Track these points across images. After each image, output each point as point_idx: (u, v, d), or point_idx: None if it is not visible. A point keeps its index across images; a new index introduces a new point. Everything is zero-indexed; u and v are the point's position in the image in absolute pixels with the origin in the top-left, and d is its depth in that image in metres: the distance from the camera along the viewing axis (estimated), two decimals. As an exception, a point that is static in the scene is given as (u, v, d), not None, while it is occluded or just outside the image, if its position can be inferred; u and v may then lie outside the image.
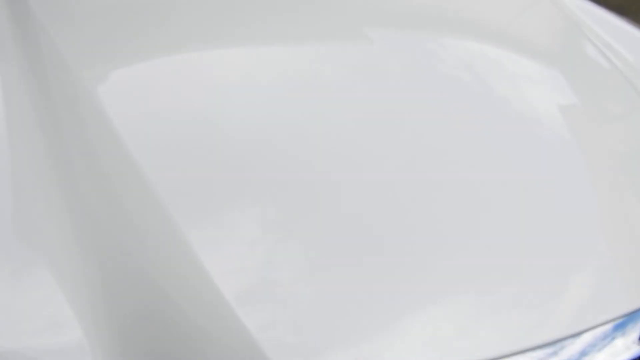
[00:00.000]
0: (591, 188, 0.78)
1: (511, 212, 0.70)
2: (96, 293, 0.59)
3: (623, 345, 0.62)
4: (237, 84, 0.81)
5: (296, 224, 0.64)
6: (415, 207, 0.68)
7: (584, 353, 0.61)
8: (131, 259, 0.60)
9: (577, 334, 0.61)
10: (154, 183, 0.64)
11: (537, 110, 0.87)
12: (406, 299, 0.60)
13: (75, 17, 0.94)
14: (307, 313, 0.56)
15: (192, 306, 0.58)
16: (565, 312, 0.64)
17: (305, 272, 0.60)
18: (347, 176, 0.70)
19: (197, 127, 0.74)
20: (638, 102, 0.91)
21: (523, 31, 1.14)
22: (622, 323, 0.63)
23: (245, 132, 0.74)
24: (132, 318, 0.57)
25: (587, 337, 0.61)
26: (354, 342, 0.57)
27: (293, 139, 0.74)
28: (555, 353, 0.60)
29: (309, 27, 0.99)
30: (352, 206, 0.66)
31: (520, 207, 0.70)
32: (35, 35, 0.87)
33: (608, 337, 0.62)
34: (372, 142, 0.75)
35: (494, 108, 0.85)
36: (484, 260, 0.65)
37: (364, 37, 0.97)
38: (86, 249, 0.61)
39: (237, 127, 0.75)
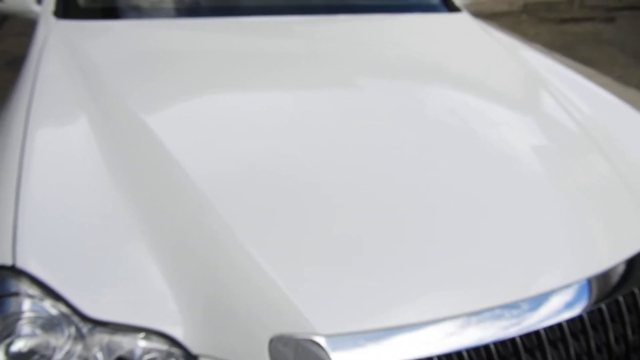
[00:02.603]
0: (548, 195, 0.98)
1: (491, 210, 0.90)
2: (176, 266, 0.78)
3: (568, 307, 0.78)
4: (260, 123, 1.06)
5: (328, 223, 0.84)
6: (415, 210, 0.89)
7: (538, 312, 0.77)
8: (198, 249, 0.80)
9: (533, 296, 0.77)
10: (205, 191, 0.87)
11: (505, 144, 1.10)
12: (404, 273, 0.78)
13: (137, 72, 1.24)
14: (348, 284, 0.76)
15: (242, 274, 0.76)
16: (525, 278, 0.80)
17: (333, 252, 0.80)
18: (355, 192, 0.90)
19: (238, 153, 0.98)
20: (586, 144, 1.13)
21: (495, 85, 1.42)
22: (568, 289, 0.80)
23: (269, 158, 0.97)
24: (201, 283, 0.76)
25: (541, 299, 0.78)
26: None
27: (314, 164, 0.96)
28: (515, 311, 0.76)
29: (314, 79, 1.28)
30: (364, 219, 0.85)
31: (497, 207, 0.91)
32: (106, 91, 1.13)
33: (556, 300, 0.79)
34: (370, 162, 0.97)
35: (469, 140, 1.07)
36: (474, 245, 0.84)
37: (359, 87, 1.25)
38: (170, 243, 0.81)
39: (260, 151, 0.98)
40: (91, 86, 1.11)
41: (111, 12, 1.57)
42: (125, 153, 0.93)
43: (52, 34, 1.36)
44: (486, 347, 0.73)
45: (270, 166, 0.92)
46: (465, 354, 0.72)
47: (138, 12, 1.58)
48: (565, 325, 0.77)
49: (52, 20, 1.45)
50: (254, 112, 1.08)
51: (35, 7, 1.60)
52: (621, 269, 0.86)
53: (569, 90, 1.45)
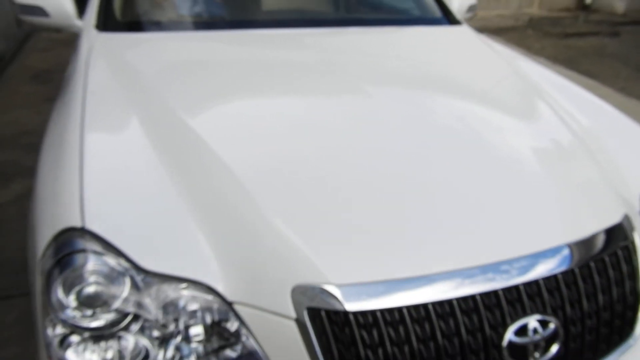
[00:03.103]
0: (540, 182, 1.13)
1: (488, 185, 1.07)
2: (215, 231, 0.94)
3: (547, 269, 0.92)
4: (282, 118, 1.26)
5: (349, 192, 1.01)
6: (418, 187, 1.04)
7: (519, 270, 0.90)
8: (234, 217, 0.96)
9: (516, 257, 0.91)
10: (239, 172, 1.03)
11: (499, 141, 1.26)
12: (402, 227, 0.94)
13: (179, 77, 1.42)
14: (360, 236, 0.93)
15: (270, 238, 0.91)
16: (509, 240, 0.94)
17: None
18: (367, 174, 1.06)
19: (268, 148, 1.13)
20: (574, 143, 1.29)
21: (491, 91, 1.58)
22: (547, 253, 0.94)
23: (294, 149, 1.14)
24: (236, 247, 0.91)
25: (523, 260, 0.91)
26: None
27: (331, 157, 1.12)
28: (500, 270, 0.90)
29: (330, 85, 1.44)
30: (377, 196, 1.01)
31: (495, 188, 1.07)
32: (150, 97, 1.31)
33: (536, 262, 0.92)
34: (379, 150, 1.13)
35: (465, 137, 1.23)
36: (464, 206, 1.00)
37: (368, 91, 1.41)
38: (211, 212, 0.97)
39: (283, 141, 1.16)
40: (136, 88, 1.28)
41: (145, 26, 1.75)
42: (170, 142, 1.10)
43: (96, 45, 1.54)
44: (471, 297, 0.86)
45: (293, 153, 1.08)
46: (455, 302, 0.86)
47: (169, 25, 1.77)
48: (560, 277, 0.92)
49: (94, 32, 1.64)
50: (277, 111, 1.26)
51: (77, 22, 1.79)
52: (602, 236, 1.01)
53: (562, 97, 1.59)
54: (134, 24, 1.74)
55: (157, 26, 1.74)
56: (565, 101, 1.56)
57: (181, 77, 1.38)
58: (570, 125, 1.37)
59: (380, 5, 2.39)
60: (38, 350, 0.95)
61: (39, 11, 1.73)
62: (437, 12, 2.20)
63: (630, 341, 1.03)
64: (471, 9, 2.33)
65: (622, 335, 1.02)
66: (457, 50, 1.89)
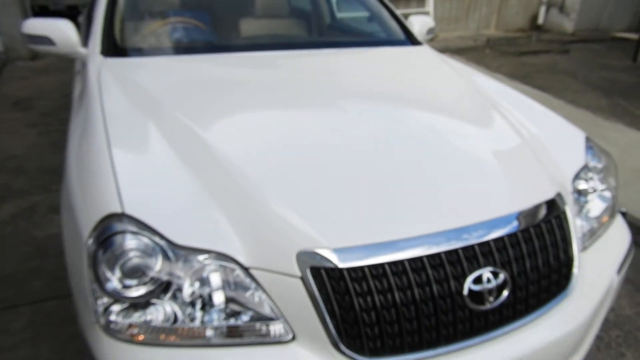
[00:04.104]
0: (487, 163, 1.39)
1: (451, 170, 1.32)
2: (233, 210, 1.15)
3: (496, 233, 1.16)
4: (277, 123, 1.50)
5: (334, 172, 1.25)
6: (392, 168, 1.30)
7: (475, 233, 1.14)
8: (247, 200, 1.17)
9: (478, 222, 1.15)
10: (247, 166, 1.26)
11: (453, 134, 1.53)
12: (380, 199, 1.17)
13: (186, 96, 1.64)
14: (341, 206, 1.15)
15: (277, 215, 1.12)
16: (478, 209, 1.19)
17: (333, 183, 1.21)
18: (350, 159, 1.32)
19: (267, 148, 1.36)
20: (521, 143, 1.56)
21: (446, 98, 1.86)
22: (498, 220, 1.18)
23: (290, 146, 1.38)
24: (250, 224, 1.12)
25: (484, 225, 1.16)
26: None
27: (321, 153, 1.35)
28: (462, 234, 1.13)
29: (316, 96, 1.70)
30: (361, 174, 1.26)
31: (456, 169, 1.33)
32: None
33: (488, 227, 1.16)
34: (357, 141, 1.39)
35: (426, 131, 1.50)
36: (433, 185, 1.25)
37: (346, 99, 1.67)
38: (228, 196, 1.18)
39: (278, 139, 1.40)
40: (146, 100, 1.49)
41: (144, 51, 1.96)
42: (185, 143, 1.30)
43: (103, 68, 1.74)
44: (437, 255, 1.09)
45: (289, 151, 1.31)
46: (425, 259, 1.09)
47: (165, 50, 1.99)
48: (506, 240, 1.16)
49: (100, 58, 1.84)
50: (270, 118, 1.49)
51: (81, 49, 1.99)
52: (540, 208, 1.27)
53: (509, 104, 1.88)
54: (134, 50, 1.95)
55: (154, 51, 1.96)
56: (512, 107, 1.84)
57: (183, 91, 1.59)
58: (515, 126, 1.65)
59: (352, 29, 2.70)
60: (81, 322, 1.13)
61: (47, 41, 1.92)
62: (400, 35, 2.51)
63: (567, 292, 1.28)
64: (430, 31, 2.65)
65: (559, 287, 1.27)
66: (418, 66, 2.18)
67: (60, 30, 1.92)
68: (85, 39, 2.06)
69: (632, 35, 8.53)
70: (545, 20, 10.58)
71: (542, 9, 10.48)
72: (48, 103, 4.94)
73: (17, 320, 1.98)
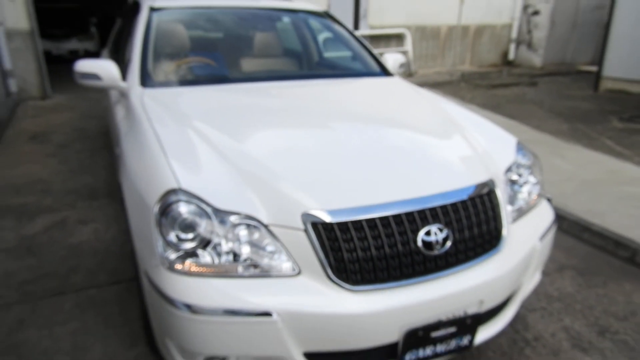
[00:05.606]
0: (442, 157, 1.88)
1: (416, 161, 1.81)
2: (255, 184, 1.63)
3: (443, 201, 1.64)
4: (284, 132, 2.03)
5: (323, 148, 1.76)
6: (369, 154, 1.80)
7: (428, 201, 1.62)
8: (265, 176, 1.65)
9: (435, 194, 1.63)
10: (267, 159, 1.78)
11: (424, 142, 2.02)
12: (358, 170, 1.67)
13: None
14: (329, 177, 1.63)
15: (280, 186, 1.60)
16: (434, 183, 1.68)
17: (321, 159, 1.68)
18: (336, 147, 1.81)
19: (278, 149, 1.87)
20: (469, 147, 2.05)
21: (413, 118, 2.36)
22: (445, 195, 1.66)
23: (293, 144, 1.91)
24: (266, 196, 1.60)
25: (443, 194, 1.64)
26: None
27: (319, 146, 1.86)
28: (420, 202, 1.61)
29: (313, 116, 2.22)
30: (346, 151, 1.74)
31: (421, 160, 1.81)
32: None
33: (437, 197, 1.64)
34: (343, 137, 1.89)
35: (399, 136, 2.02)
36: (396, 164, 1.74)
37: (333, 118, 2.20)
38: (252, 175, 1.67)
39: (285, 141, 1.92)
40: (180, 116, 2.01)
41: (172, 83, 2.48)
42: (215, 142, 1.79)
43: (144, 96, 2.24)
44: (399, 215, 1.56)
45: (293, 148, 1.80)
46: (390, 217, 1.55)
47: (189, 82, 2.52)
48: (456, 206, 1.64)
49: (140, 89, 2.35)
50: (278, 131, 1.99)
51: (121, 83, 2.49)
52: (478, 186, 1.75)
53: (465, 121, 2.40)
54: (166, 82, 2.47)
55: (179, 82, 2.49)
56: (462, 120, 2.37)
57: (207, 110, 2.10)
58: (464, 133, 2.16)
59: (336, 65, 3.27)
60: (146, 267, 1.57)
61: (95, 77, 2.42)
62: (376, 68, 3.09)
63: (497, 249, 1.75)
64: (402, 65, 3.22)
65: (491, 245, 1.74)
66: (390, 93, 2.72)
67: (105, 69, 2.43)
68: (123, 74, 2.58)
69: (594, 68, 9.31)
70: (515, 56, 11.45)
71: (512, 46, 11.36)
72: (62, 137, 5.40)
73: (66, 302, 2.38)
